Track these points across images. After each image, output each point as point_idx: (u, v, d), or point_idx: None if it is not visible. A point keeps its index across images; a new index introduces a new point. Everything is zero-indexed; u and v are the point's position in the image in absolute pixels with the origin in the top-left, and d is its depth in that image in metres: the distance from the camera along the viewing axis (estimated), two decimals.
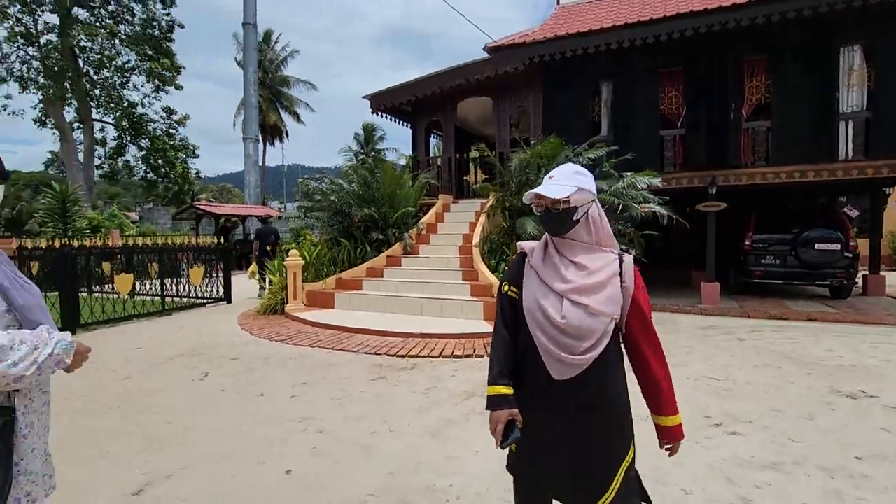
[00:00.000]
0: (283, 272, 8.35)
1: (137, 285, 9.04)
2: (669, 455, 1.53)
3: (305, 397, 4.15)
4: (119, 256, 9.50)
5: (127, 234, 16.52)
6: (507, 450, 1.56)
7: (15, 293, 1.25)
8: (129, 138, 23.74)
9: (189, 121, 24.87)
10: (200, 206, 18.08)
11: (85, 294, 7.85)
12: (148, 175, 24.58)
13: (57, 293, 6.95)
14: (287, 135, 37.42)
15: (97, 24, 21.17)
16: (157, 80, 22.90)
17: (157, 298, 8.61)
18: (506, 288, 1.56)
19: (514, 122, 11.45)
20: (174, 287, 9.11)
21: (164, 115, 24.25)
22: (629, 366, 1.51)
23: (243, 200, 22.40)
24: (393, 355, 5.40)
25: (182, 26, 23.14)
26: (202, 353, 5.70)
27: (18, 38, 20.31)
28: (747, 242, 8.61)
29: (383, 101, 12.11)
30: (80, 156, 21.87)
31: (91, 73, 22.20)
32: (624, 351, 1.52)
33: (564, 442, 1.44)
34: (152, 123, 23.94)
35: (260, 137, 25.55)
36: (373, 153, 31.62)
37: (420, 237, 9.52)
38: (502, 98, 11.02)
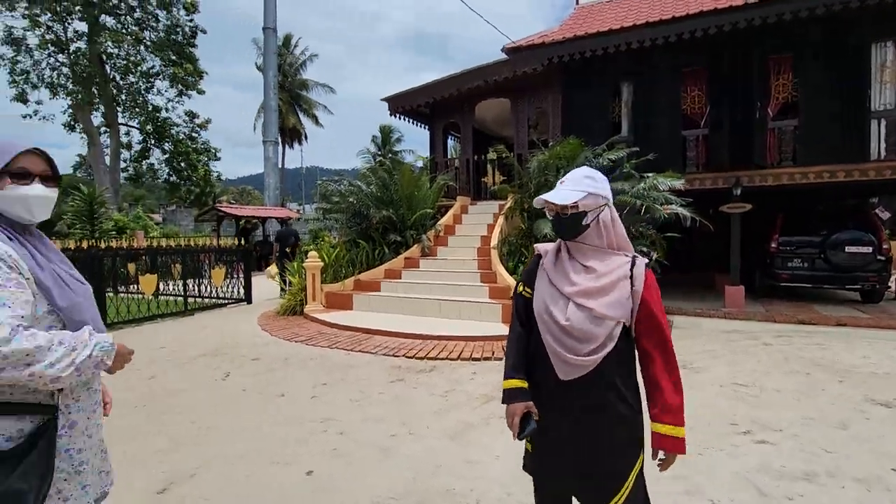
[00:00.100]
0: (302, 273, 8.44)
1: (161, 286, 9.23)
2: (660, 469, 1.47)
3: (325, 398, 4.16)
4: (144, 257, 9.71)
5: (151, 235, 16.89)
6: (525, 452, 1.60)
7: (58, 293, 1.26)
8: (153, 142, 24.32)
9: (210, 124, 25.39)
10: (222, 208, 18.40)
11: (111, 294, 8.04)
12: (171, 178, 25.12)
13: None
14: (306, 137, 37.94)
15: (123, 30, 21.75)
16: (180, 85, 23.42)
17: (179, 299, 8.78)
18: (521, 288, 1.61)
19: (532, 124, 11.38)
20: (196, 287, 9.27)
21: (187, 119, 24.79)
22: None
23: (263, 202, 22.73)
24: (411, 357, 5.39)
25: (204, 31, 23.61)
26: (224, 353, 5.78)
27: (49, 45, 20.99)
28: (773, 245, 8.38)
29: (401, 104, 12.17)
30: (107, 159, 22.48)
31: (117, 78, 22.81)
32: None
33: (570, 442, 1.46)
34: (175, 127, 24.48)
35: (279, 140, 25.92)
36: (390, 155, 31.79)
37: (438, 239, 9.51)
38: (520, 99, 10.96)
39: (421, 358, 5.37)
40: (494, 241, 8.21)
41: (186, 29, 23.01)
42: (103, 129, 22.91)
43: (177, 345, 6.22)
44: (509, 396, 1.50)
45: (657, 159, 7.75)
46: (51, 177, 1.34)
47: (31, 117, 21.99)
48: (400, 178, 9.47)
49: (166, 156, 24.63)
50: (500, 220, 8.83)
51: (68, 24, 21.14)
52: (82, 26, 21.26)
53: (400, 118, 12.69)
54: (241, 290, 9.76)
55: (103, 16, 21.19)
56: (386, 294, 8.04)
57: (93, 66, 21.14)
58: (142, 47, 22.45)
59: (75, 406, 1.29)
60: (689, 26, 7.80)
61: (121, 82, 22.95)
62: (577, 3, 11.61)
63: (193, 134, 25.03)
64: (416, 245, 9.12)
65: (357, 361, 5.32)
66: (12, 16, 20.41)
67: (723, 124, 8.34)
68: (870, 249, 7.76)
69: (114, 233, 15.00)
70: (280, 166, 28.49)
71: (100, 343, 1.23)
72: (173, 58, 22.56)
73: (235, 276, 9.97)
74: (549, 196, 1.47)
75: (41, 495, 1.16)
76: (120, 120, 23.23)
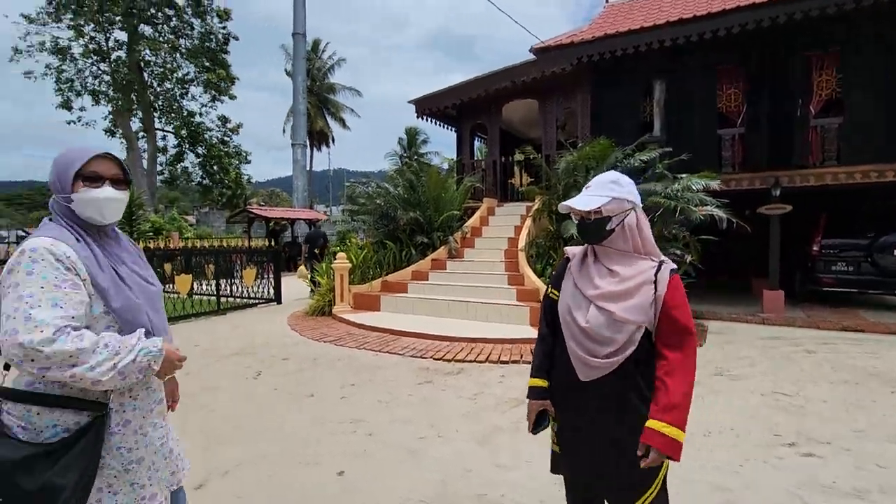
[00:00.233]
0: (330, 274, 8.53)
1: (195, 285, 9.49)
2: (641, 464, 1.36)
3: (353, 399, 4.18)
4: (179, 258, 10.00)
5: (185, 236, 17.42)
6: (552, 453, 1.70)
7: (113, 294, 1.27)
8: (187, 146, 25.18)
9: (241, 128, 26.08)
10: (252, 210, 18.82)
11: None
12: (204, 181, 25.93)
13: None
14: (333, 140, 38.50)
15: (160, 39, 22.58)
16: (213, 91, 24.17)
17: (213, 298, 9.00)
18: (549, 290, 1.67)
19: (560, 124, 11.23)
20: (228, 287, 9.48)
21: (219, 123, 25.55)
22: None
23: (291, 204, 23.18)
24: (439, 359, 5.38)
25: (237, 38, 24.30)
26: (255, 352, 5.88)
27: (92, 54, 21.98)
28: (815, 247, 8.01)
29: (428, 106, 12.20)
30: (144, 163, 23.37)
31: (155, 85, 23.72)
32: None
33: (587, 442, 1.50)
34: (208, 132, 25.28)
35: (307, 143, 26.41)
36: (416, 157, 31.96)
37: (465, 241, 9.48)
38: (549, 99, 10.84)
39: (448, 360, 5.34)
40: (522, 242, 8.13)
41: (220, 36, 23.74)
42: (141, 133, 23.84)
43: (210, 343, 6.37)
44: (530, 393, 1.62)
45: (691, 159, 7.51)
46: (121, 180, 1.37)
47: (74, 123, 23.06)
48: (427, 180, 9.48)
49: (199, 159, 25.45)
50: (528, 221, 8.74)
51: (109, 33, 22.10)
52: (122, 35, 22.23)
53: (427, 120, 12.73)
54: (271, 291, 9.94)
55: (142, 25, 22.07)
56: (413, 295, 8.05)
57: (132, 73, 22.04)
58: (178, 55, 23.29)
59: (131, 405, 1.31)
60: (724, 23, 7.55)
61: (158, 89, 23.86)
62: (607, 1, 11.42)
63: (225, 138, 25.80)
64: (442, 247, 9.11)
65: (385, 363, 5.33)
66: (58, 27, 21.47)
67: (760, 123, 8.04)
68: None
69: (151, 234, 15.54)
70: (308, 169, 28.99)
71: (145, 348, 1.23)
72: (207, 64, 23.32)
73: (266, 276, 10.17)
74: (572, 202, 1.49)
75: (79, 489, 1.17)
76: (156, 125, 24.15)
